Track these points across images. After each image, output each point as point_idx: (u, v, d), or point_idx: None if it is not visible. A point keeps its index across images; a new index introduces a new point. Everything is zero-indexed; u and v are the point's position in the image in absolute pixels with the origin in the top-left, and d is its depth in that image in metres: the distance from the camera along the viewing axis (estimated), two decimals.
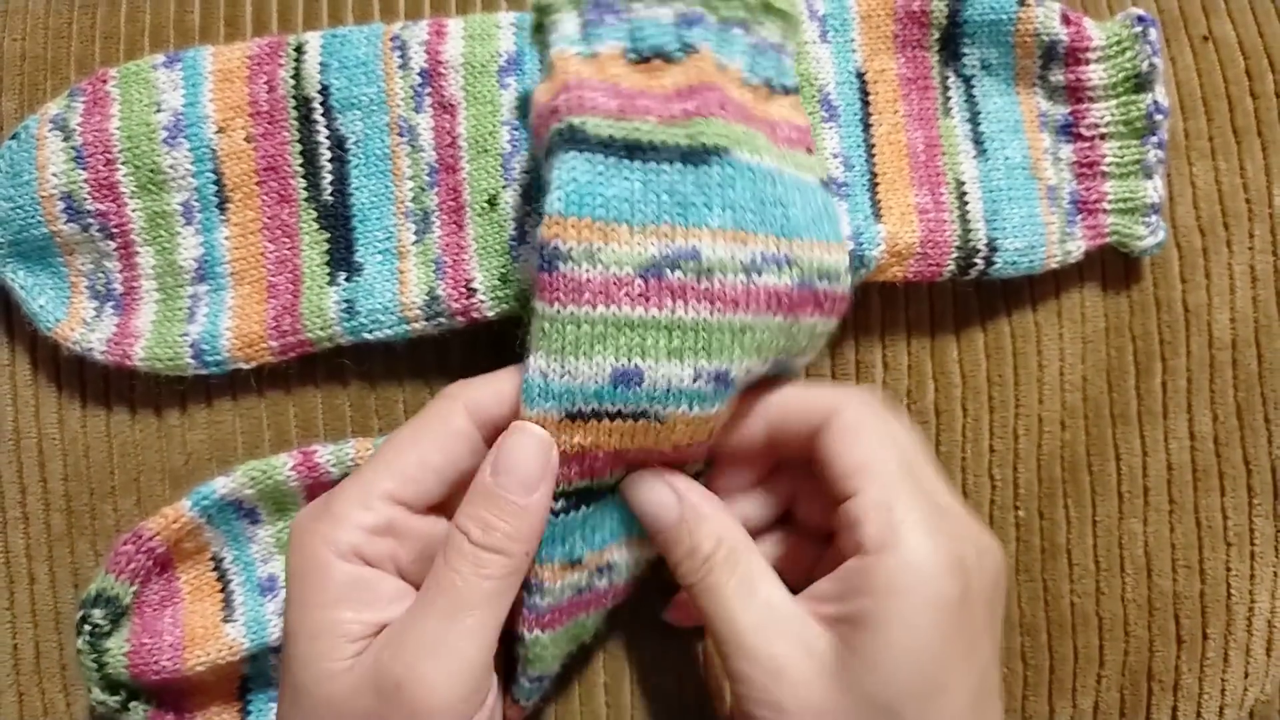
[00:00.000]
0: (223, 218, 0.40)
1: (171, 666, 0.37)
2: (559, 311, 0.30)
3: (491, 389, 0.33)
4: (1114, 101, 0.40)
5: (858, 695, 0.29)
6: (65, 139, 0.39)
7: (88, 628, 0.37)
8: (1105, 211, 0.40)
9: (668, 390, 0.31)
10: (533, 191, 0.38)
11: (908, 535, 0.30)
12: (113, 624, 0.37)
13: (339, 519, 0.31)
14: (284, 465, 0.38)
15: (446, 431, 0.32)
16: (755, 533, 0.35)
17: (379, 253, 0.39)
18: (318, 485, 0.38)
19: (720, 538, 0.33)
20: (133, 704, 0.38)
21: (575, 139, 0.30)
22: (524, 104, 0.37)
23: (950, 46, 0.40)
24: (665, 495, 0.33)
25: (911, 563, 0.30)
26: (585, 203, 0.30)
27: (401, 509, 0.32)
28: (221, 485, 0.38)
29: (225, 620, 0.38)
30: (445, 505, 0.33)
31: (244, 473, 0.38)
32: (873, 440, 0.33)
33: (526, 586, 0.33)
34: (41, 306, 0.40)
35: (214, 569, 0.39)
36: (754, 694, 0.30)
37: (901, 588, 0.30)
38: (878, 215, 0.39)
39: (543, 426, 0.31)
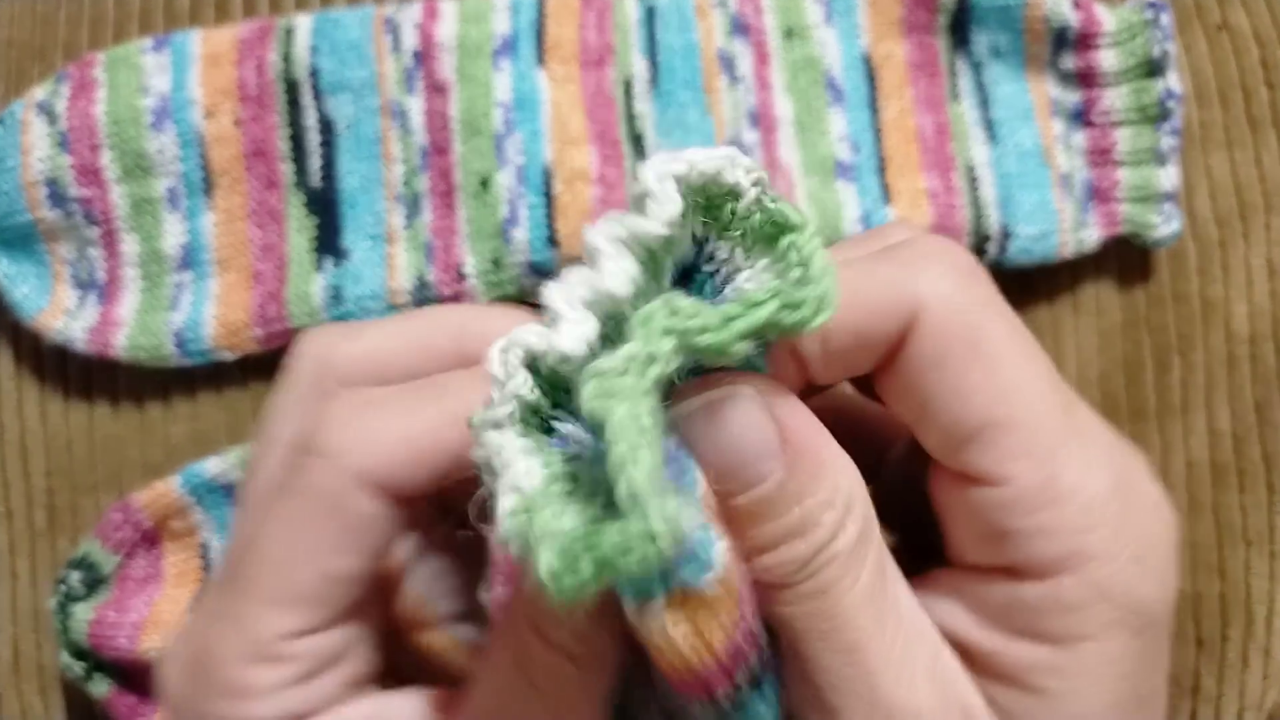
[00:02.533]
0: (208, 203, 0.39)
1: (127, 646, 0.36)
2: None
3: (401, 438, 0.21)
4: (1126, 87, 0.39)
5: None
6: (50, 124, 0.38)
7: (63, 588, 0.37)
8: (1119, 200, 0.39)
9: None
10: None
11: (1099, 541, 0.19)
12: (88, 590, 0.37)
13: (241, 691, 0.21)
14: None
15: (347, 526, 0.21)
16: None
17: (368, 238, 0.39)
18: None
19: (849, 504, 0.19)
20: (97, 674, 0.37)
21: None
22: None
23: (959, 32, 0.39)
24: (761, 430, 0.19)
25: (1112, 584, 0.19)
26: None
27: (323, 635, 0.22)
28: (213, 465, 0.38)
29: (190, 611, 0.38)
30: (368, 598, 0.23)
31: (235, 453, 0.38)
32: (1012, 379, 0.20)
33: None
34: (24, 295, 0.39)
35: (200, 556, 0.39)
36: None
37: (1100, 624, 0.19)
38: (887, 198, 0.38)
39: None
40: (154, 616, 0.37)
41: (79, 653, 0.37)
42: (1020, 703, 0.20)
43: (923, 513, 0.23)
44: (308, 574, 0.21)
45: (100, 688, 0.37)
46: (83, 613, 0.37)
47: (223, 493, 0.38)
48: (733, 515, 0.19)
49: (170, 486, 0.38)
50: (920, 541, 0.23)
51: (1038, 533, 0.19)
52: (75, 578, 0.37)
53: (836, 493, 0.19)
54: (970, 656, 0.20)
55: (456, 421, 0.20)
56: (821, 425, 0.19)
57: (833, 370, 0.21)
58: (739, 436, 0.18)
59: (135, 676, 0.37)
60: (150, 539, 0.38)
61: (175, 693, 0.22)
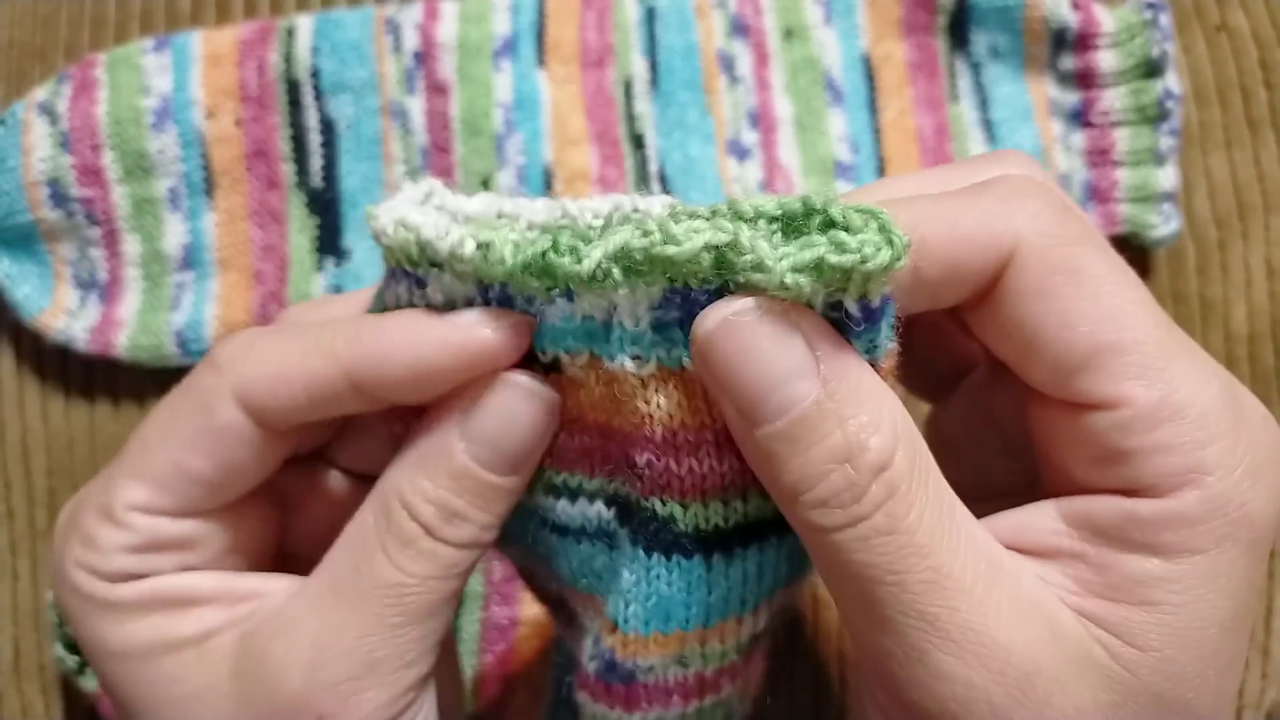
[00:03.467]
0: (209, 203, 0.39)
1: None
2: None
3: (275, 364, 0.22)
4: (1125, 88, 0.39)
5: (1137, 696, 0.19)
6: (52, 124, 0.38)
7: None
8: (1118, 200, 0.39)
9: None
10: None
11: (1217, 454, 0.19)
12: None
13: (90, 540, 0.23)
14: None
15: (207, 428, 0.22)
16: None
17: (368, 238, 0.38)
18: None
19: (897, 430, 0.19)
20: (88, 669, 0.37)
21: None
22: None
23: (958, 32, 0.39)
24: (792, 348, 0.18)
25: (1229, 497, 0.19)
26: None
27: (167, 519, 0.23)
28: None
29: None
30: (232, 507, 0.24)
31: None
32: (1114, 304, 0.19)
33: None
34: (25, 295, 0.39)
35: None
36: (956, 706, 0.19)
37: (1215, 538, 0.19)
38: None
39: None
40: None
41: (73, 646, 0.37)
42: (1129, 616, 0.19)
43: (984, 450, 0.22)
44: (162, 460, 0.23)
45: (90, 683, 0.37)
46: None
47: None
48: (765, 450, 0.19)
49: None
50: (985, 479, 0.22)
51: (1157, 450, 0.19)
52: None
53: (881, 415, 0.18)
54: (1078, 573, 0.20)
55: (322, 351, 0.22)
56: (856, 352, 0.19)
57: (918, 300, 0.20)
58: (767, 354, 0.18)
59: None
60: None
61: (56, 532, 0.24)
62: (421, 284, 0.22)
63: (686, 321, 0.19)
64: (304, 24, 0.39)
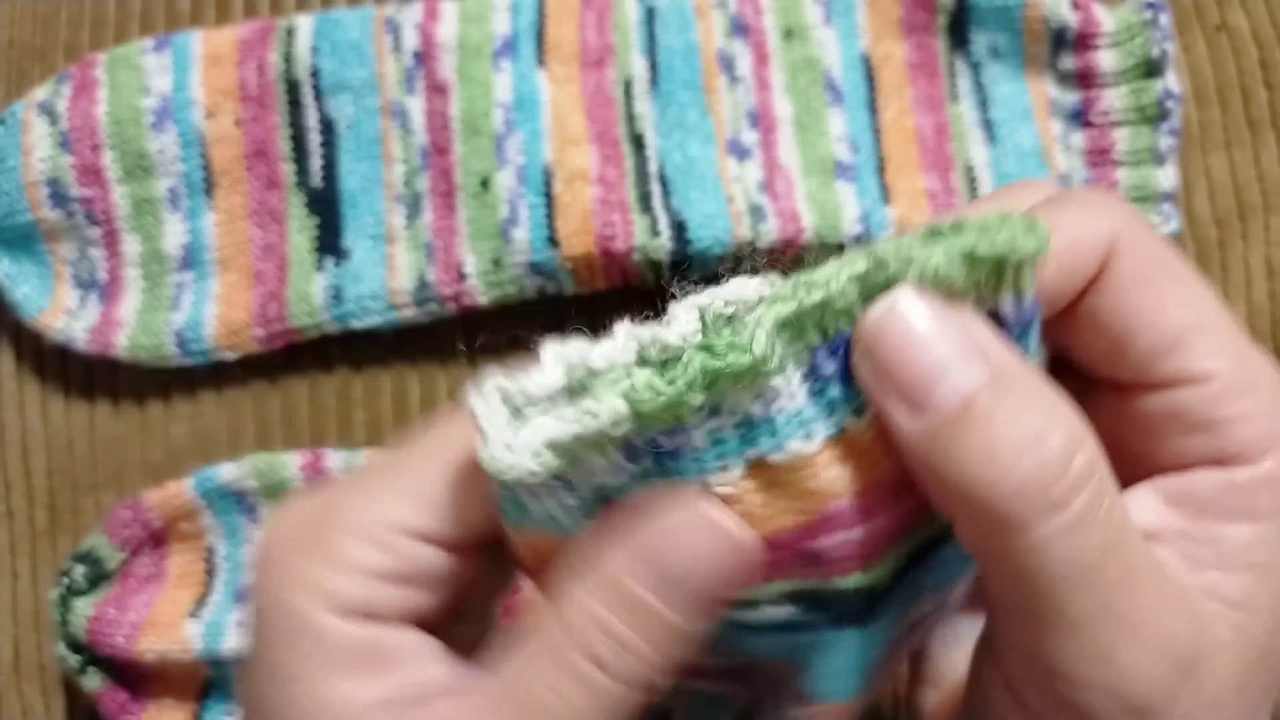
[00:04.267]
0: (209, 203, 0.39)
1: (124, 644, 0.37)
2: None
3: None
4: (1125, 88, 0.39)
5: (1251, 661, 0.20)
6: (51, 124, 0.39)
7: (65, 580, 0.37)
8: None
9: None
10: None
11: None
12: (91, 584, 0.37)
13: (336, 559, 0.21)
14: (292, 463, 0.38)
15: None
16: None
17: (368, 238, 0.39)
18: None
19: (1077, 412, 0.18)
20: (90, 669, 0.37)
21: None
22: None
23: (958, 32, 0.40)
24: (957, 330, 0.18)
25: None
26: None
27: (429, 548, 0.21)
28: (226, 471, 0.38)
29: (191, 615, 0.38)
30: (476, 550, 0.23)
31: (250, 461, 0.38)
32: (1193, 291, 0.21)
33: None
34: (25, 295, 0.39)
35: (205, 560, 0.39)
36: (1137, 703, 0.19)
37: None
38: (886, 198, 0.38)
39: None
40: (153, 618, 0.37)
41: (76, 646, 0.37)
42: (1240, 582, 0.20)
43: None
44: (433, 478, 0.21)
45: (93, 682, 0.37)
46: (83, 607, 0.37)
47: (233, 499, 0.38)
48: (942, 445, 0.18)
49: (182, 488, 0.38)
50: None
51: (1243, 418, 0.20)
52: (79, 571, 0.37)
53: (1058, 398, 0.18)
54: (1186, 550, 0.20)
55: None
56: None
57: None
58: (934, 338, 0.18)
59: (128, 674, 0.38)
60: (157, 539, 0.38)
61: (272, 543, 0.21)
62: (570, 485, 0.19)
63: (836, 375, 0.18)
64: (304, 24, 0.39)
